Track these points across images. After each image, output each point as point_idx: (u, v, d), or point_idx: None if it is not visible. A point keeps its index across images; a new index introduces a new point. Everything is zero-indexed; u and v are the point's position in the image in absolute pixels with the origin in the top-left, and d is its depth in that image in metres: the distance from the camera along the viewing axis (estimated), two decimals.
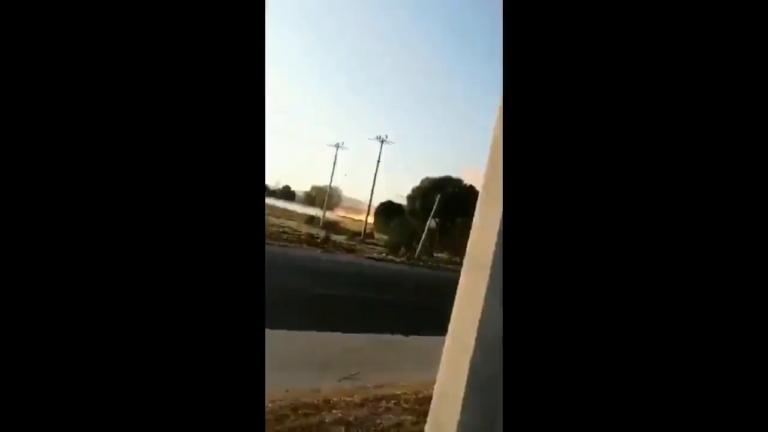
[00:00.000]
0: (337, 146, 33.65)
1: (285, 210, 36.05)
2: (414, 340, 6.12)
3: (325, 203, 34.02)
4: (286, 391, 3.54)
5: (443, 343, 1.30)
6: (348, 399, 3.55)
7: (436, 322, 2.57)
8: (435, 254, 20.76)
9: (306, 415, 3.13)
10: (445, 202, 22.15)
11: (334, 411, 3.28)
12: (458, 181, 26.43)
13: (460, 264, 1.36)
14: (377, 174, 29.45)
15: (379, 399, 3.64)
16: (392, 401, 3.64)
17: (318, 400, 3.42)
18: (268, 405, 3.17)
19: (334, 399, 3.50)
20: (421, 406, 3.45)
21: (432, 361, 1.57)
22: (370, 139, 29.50)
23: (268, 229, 18.46)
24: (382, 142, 29.20)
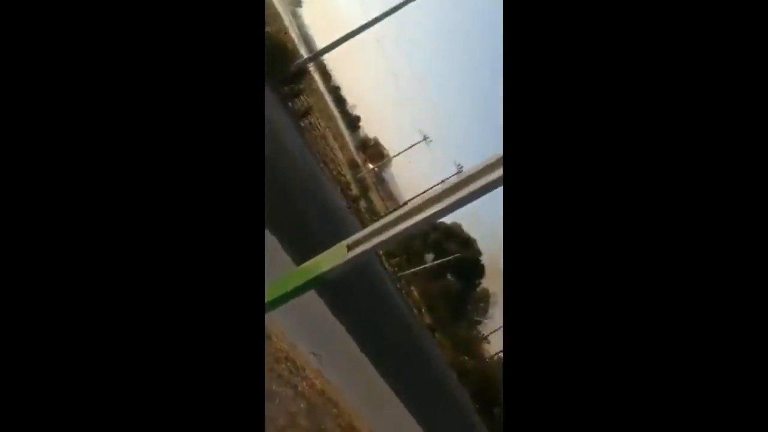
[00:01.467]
0: (425, 138, 33.81)
1: (342, 137, 36.26)
2: None
3: (374, 168, 34.41)
4: (283, 333, 4.03)
5: None
6: (314, 380, 4.04)
7: None
8: (412, 288, 21.27)
9: (290, 371, 3.63)
10: (458, 262, 22.48)
11: (304, 383, 3.78)
12: (477, 255, 26.72)
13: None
14: (435, 186, 29.77)
15: (329, 401, 4.13)
16: (334, 408, 4.14)
17: (298, 362, 3.92)
18: (275, 336, 3.67)
19: (307, 372, 3.99)
20: None
21: None
22: (456, 164, 29.75)
23: (323, 148, 18.70)
24: (460, 171, 29.40)
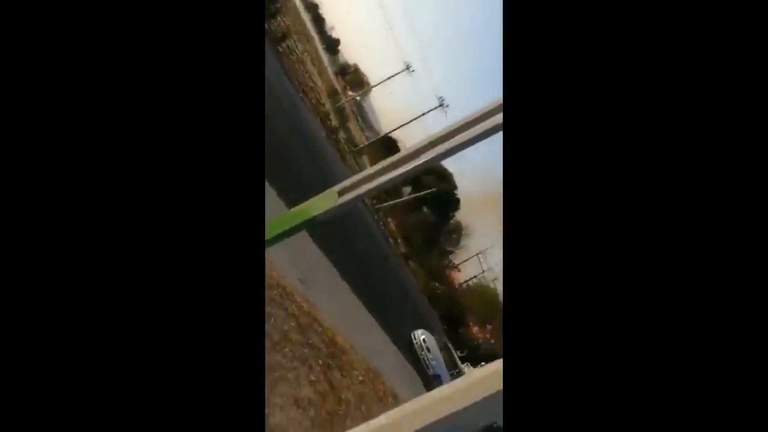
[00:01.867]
0: (407, 67, 32.57)
1: (320, 61, 34.46)
2: None
3: (355, 96, 33.34)
4: (273, 263, 4.42)
5: None
6: (301, 303, 4.53)
7: None
8: (389, 220, 21.94)
9: (281, 296, 4.08)
10: (434, 195, 23.06)
11: (294, 306, 4.26)
12: (453, 189, 27.35)
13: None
14: (415, 119, 29.39)
15: (315, 320, 4.66)
16: (319, 327, 4.69)
17: (288, 288, 4.37)
18: (267, 266, 4.05)
19: (296, 297, 4.46)
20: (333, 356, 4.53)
21: None
22: (438, 97, 29.07)
23: (302, 75, 17.98)
24: (441, 105, 28.96)
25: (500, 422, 0.95)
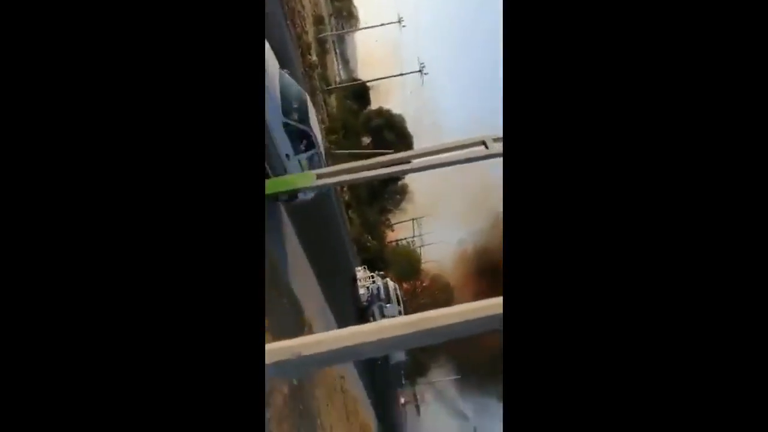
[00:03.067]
0: (399, 20, 31.59)
1: None
2: None
3: (339, 33, 31.88)
4: None
5: None
6: None
7: None
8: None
9: None
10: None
11: None
12: None
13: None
14: (392, 76, 29.02)
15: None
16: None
17: None
18: None
19: None
20: None
21: None
22: (420, 62, 28.37)
23: None
24: (421, 71, 28.79)
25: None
